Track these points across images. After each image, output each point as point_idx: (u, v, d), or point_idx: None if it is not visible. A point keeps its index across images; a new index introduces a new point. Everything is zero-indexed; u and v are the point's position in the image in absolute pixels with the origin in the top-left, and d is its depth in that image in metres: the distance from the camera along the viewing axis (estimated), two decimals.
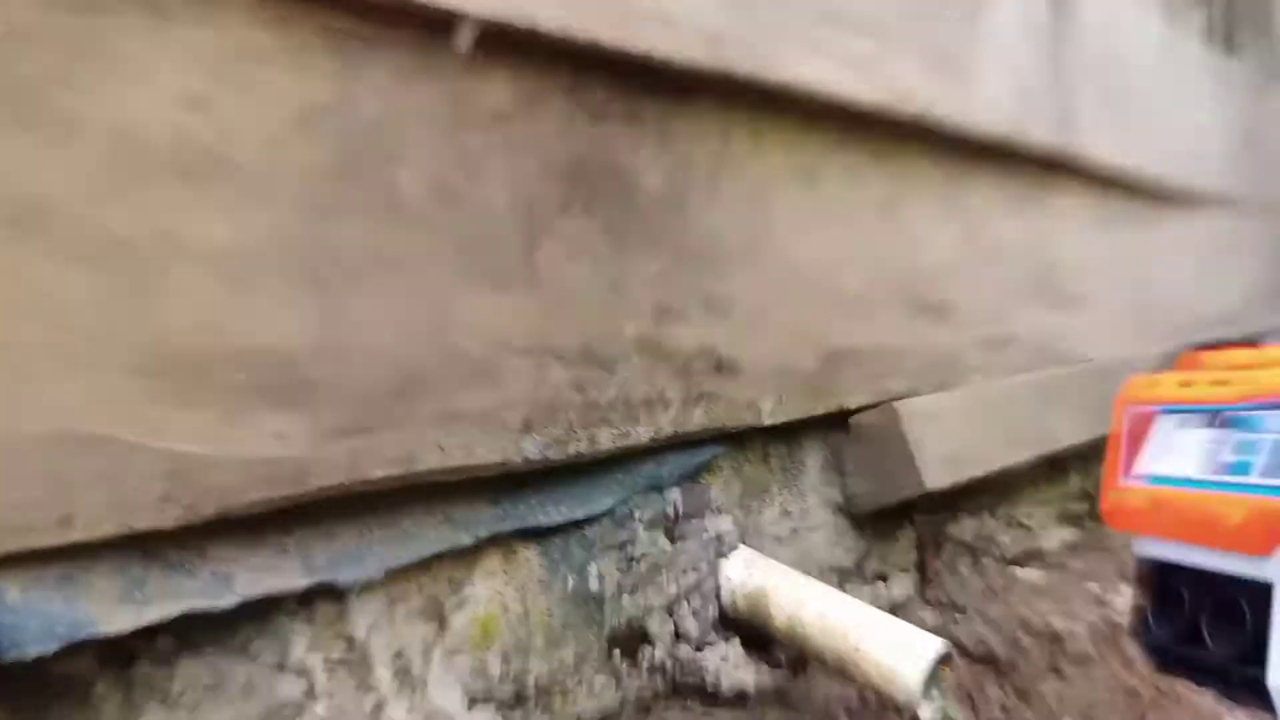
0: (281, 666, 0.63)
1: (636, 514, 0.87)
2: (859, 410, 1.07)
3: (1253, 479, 0.25)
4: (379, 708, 0.68)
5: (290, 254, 0.59)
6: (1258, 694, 0.25)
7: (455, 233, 0.69)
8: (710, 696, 0.86)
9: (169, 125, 0.53)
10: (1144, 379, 0.30)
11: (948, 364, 1.22)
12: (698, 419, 0.89)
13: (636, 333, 0.83)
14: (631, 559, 0.86)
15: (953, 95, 1.15)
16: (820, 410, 1.03)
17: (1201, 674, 0.28)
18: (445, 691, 0.72)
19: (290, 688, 0.63)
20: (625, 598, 0.85)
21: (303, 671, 0.64)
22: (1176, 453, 0.28)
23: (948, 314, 1.23)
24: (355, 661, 0.67)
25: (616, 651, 0.84)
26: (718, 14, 0.83)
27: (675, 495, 0.90)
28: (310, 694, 0.64)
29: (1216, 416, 0.27)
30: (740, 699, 0.87)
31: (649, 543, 0.87)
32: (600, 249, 0.79)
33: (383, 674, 0.69)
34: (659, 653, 0.85)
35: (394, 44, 0.64)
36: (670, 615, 0.88)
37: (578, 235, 0.77)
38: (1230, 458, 0.26)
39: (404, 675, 0.70)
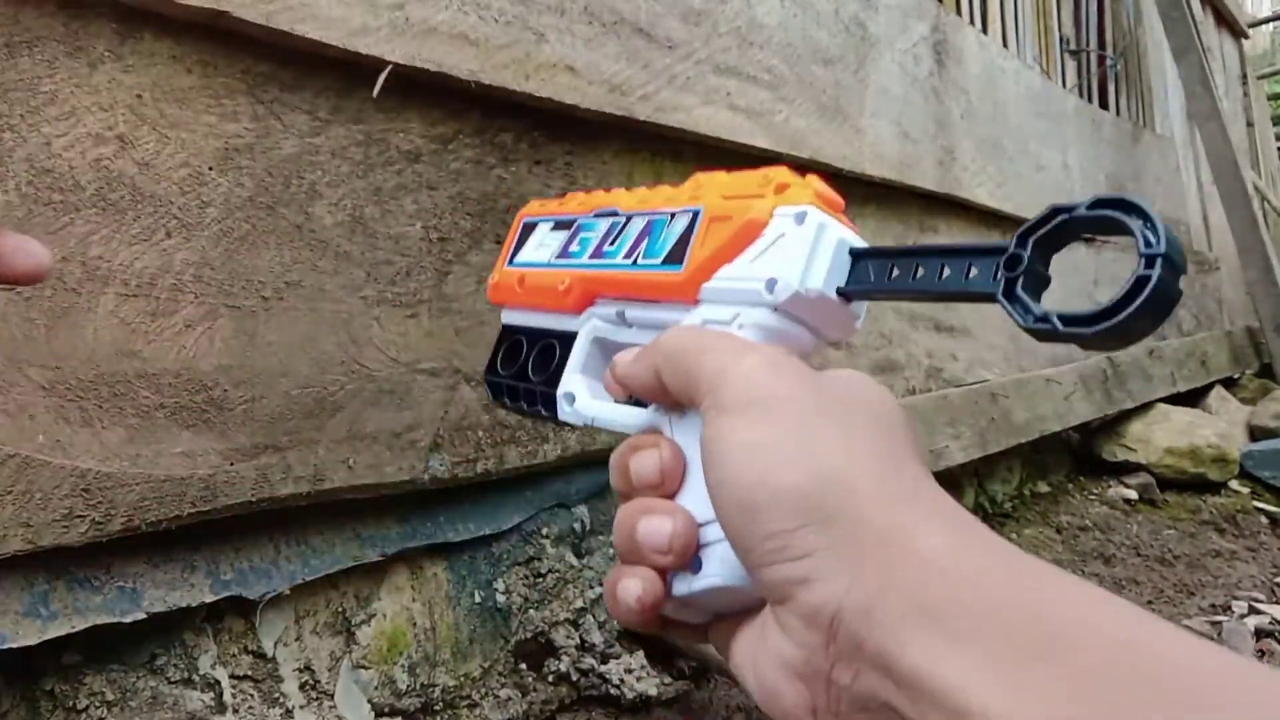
0: (188, 681, 0.65)
1: (544, 530, 0.91)
2: None
3: (581, 260, 0.36)
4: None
5: (208, 281, 0.62)
6: (548, 404, 0.36)
7: (368, 262, 0.73)
8: (615, 705, 0.91)
9: (92, 161, 0.56)
10: (538, 201, 0.41)
11: None
12: (605, 437, 0.94)
13: None
14: (538, 574, 0.90)
15: (841, 142, 1.25)
16: None
17: (517, 398, 0.39)
18: (352, 704, 0.75)
19: (197, 701, 0.65)
20: (532, 611, 0.89)
21: (209, 685, 0.66)
22: (542, 247, 0.39)
23: None
24: (263, 675, 0.69)
25: (523, 664, 0.88)
26: (619, 63, 0.90)
27: (583, 512, 0.95)
28: (217, 707, 0.66)
29: (572, 224, 0.38)
30: (644, 707, 0.92)
31: (556, 558, 0.92)
32: None
33: (290, 686, 0.71)
34: (564, 664, 0.89)
35: (313, 88, 0.68)
36: (576, 628, 0.92)
37: (489, 266, 0.82)
38: (572, 247, 0.37)
39: (311, 688, 0.72)
